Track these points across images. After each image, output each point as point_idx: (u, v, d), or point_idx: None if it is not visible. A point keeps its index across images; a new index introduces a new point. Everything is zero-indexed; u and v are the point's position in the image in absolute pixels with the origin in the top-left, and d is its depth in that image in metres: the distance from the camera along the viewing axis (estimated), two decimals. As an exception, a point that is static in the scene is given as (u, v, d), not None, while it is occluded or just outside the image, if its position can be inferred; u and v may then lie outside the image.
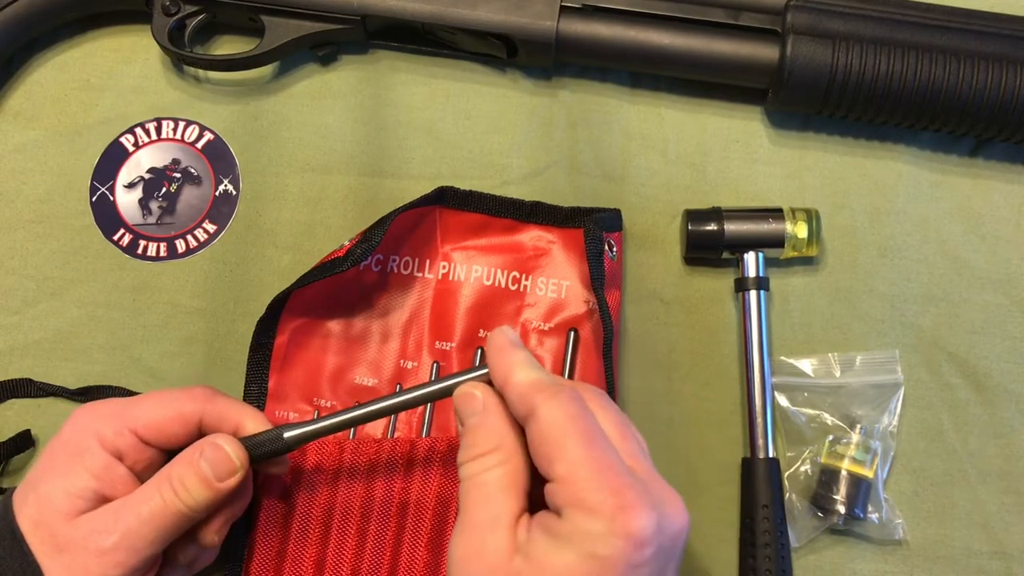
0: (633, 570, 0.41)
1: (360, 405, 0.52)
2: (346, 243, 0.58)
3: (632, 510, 0.41)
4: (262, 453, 0.52)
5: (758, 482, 0.59)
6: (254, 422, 0.53)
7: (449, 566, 0.44)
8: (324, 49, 0.66)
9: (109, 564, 0.48)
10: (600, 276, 0.57)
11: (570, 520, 0.41)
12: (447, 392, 0.49)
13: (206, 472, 0.50)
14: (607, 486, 0.41)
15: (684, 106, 0.67)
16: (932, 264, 0.64)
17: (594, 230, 0.58)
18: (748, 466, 0.60)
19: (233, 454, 0.50)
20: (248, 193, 0.65)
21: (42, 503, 0.49)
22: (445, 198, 0.61)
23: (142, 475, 0.51)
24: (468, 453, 0.46)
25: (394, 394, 0.52)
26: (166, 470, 0.50)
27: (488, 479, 0.44)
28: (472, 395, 0.47)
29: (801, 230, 0.61)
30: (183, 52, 0.64)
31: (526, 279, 0.62)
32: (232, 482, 0.50)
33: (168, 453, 0.52)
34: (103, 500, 0.50)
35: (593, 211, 0.61)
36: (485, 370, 0.48)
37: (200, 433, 0.52)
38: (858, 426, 0.60)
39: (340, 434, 0.60)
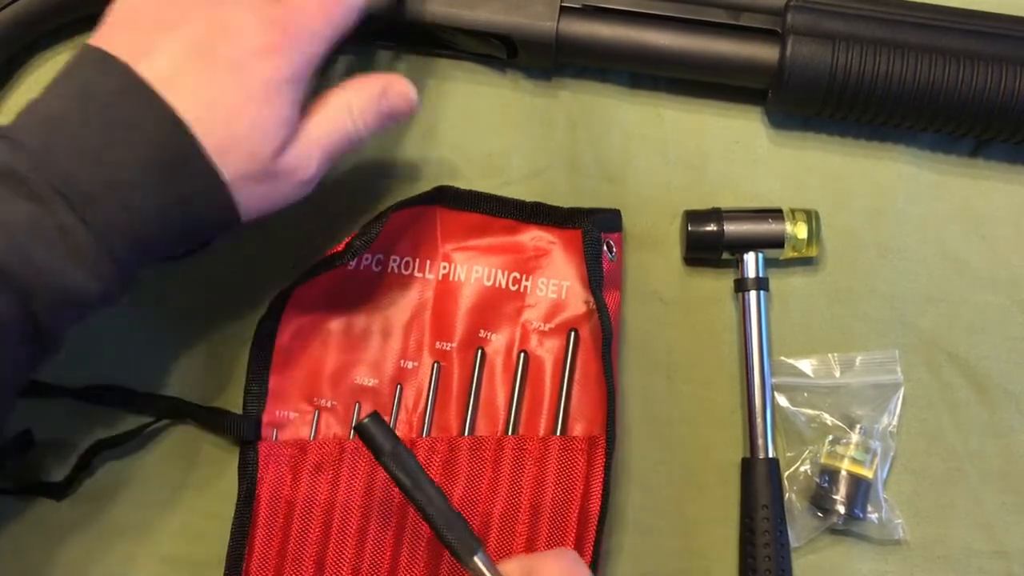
0: None
1: None
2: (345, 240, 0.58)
3: None
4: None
5: (758, 482, 0.59)
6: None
7: None
8: (324, 49, 0.65)
9: (305, 189, 0.52)
10: (598, 278, 0.57)
11: None
12: None
13: (385, 111, 0.53)
14: None
15: (684, 106, 0.66)
16: (932, 264, 0.64)
17: (592, 231, 0.58)
18: (748, 466, 0.60)
19: (415, 102, 0.54)
20: (248, 193, 0.65)
21: (253, 132, 0.48)
22: (443, 197, 0.61)
23: None
24: None
25: None
26: (343, 99, 0.52)
27: None
28: None
29: (801, 231, 0.61)
30: (183, 52, 0.64)
31: (526, 280, 0.62)
32: (399, 123, 0.56)
33: None
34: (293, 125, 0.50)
35: (593, 211, 0.61)
36: None
37: None
38: (858, 426, 0.61)
39: (340, 434, 0.60)
